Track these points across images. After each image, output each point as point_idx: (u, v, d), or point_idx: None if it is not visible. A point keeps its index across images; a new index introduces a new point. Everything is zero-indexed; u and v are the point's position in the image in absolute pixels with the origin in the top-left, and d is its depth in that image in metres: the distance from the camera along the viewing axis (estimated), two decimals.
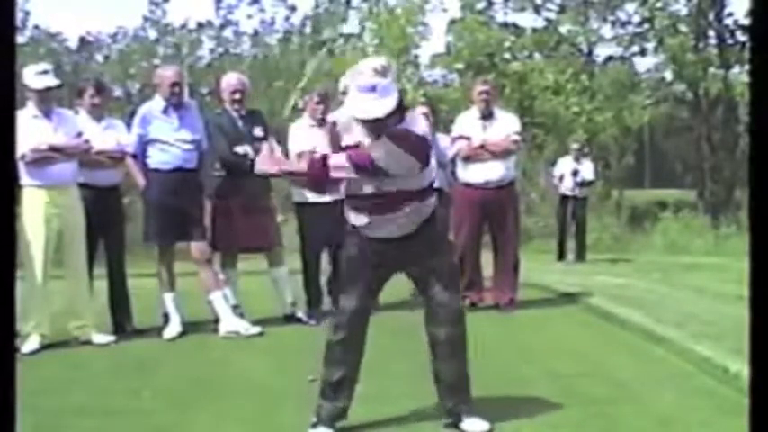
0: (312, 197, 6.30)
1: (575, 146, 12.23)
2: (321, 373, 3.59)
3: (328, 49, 19.01)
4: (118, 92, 20.22)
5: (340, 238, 6.26)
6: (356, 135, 3.46)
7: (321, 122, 6.32)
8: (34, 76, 5.42)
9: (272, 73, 19.98)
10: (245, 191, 5.95)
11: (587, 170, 11.86)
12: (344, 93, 6.54)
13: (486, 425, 3.55)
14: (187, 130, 5.78)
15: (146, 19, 23.00)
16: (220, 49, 23.42)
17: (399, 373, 4.39)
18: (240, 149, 5.95)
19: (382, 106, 3.31)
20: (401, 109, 3.42)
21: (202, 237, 5.85)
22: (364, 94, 3.33)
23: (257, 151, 5.96)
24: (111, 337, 5.62)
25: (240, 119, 6.08)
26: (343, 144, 3.51)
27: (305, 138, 6.27)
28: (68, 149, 5.43)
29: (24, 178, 5.36)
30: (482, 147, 6.48)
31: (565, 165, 11.92)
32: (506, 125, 6.62)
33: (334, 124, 3.64)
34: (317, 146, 6.23)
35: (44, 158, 5.32)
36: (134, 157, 5.84)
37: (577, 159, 11.85)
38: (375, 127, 3.36)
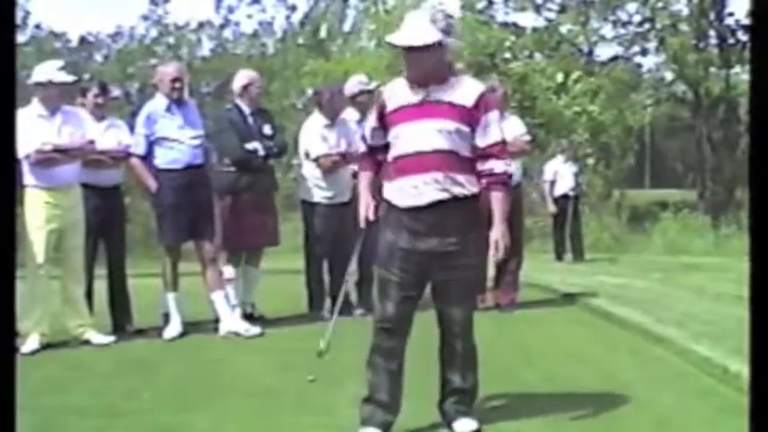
0: (322, 198, 6.28)
1: (561, 147, 12.25)
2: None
3: (326, 48, 18.96)
4: (117, 92, 20.19)
5: (345, 242, 6.31)
6: (400, 99, 3.46)
7: (334, 120, 6.30)
8: (56, 71, 5.38)
9: (271, 73, 19.96)
10: (254, 187, 5.97)
11: (568, 176, 11.74)
12: (354, 96, 6.54)
13: (473, 424, 3.52)
14: (192, 126, 5.77)
15: (145, 18, 23.02)
16: (220, 50, 23.43)
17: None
18: (250, 146, 5.94)
19: (420, 37, 3.32)
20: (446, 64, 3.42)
21: (213, 235, 5.85)
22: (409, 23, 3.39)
23: (267, 148, 5.99)
24: (111, 338, 5.61)
25: (250, 115, 6.08)
26: (389, 109, 3.48)
27: (323, 139, 6.24)
28: (73, 151, 5.38)
29: (27, 179, 5.32)
30: None
31: (554, 168, 11.84)
32: (513, 127, 6.62)
33: (380, 93, 3.61)
34: (333, 147, 6.22)
35: (48, 160, 5.28)
36: (141, 158, 5.73)
37: (568, 160, 11.82)
38: (415, 59, 3.35)
